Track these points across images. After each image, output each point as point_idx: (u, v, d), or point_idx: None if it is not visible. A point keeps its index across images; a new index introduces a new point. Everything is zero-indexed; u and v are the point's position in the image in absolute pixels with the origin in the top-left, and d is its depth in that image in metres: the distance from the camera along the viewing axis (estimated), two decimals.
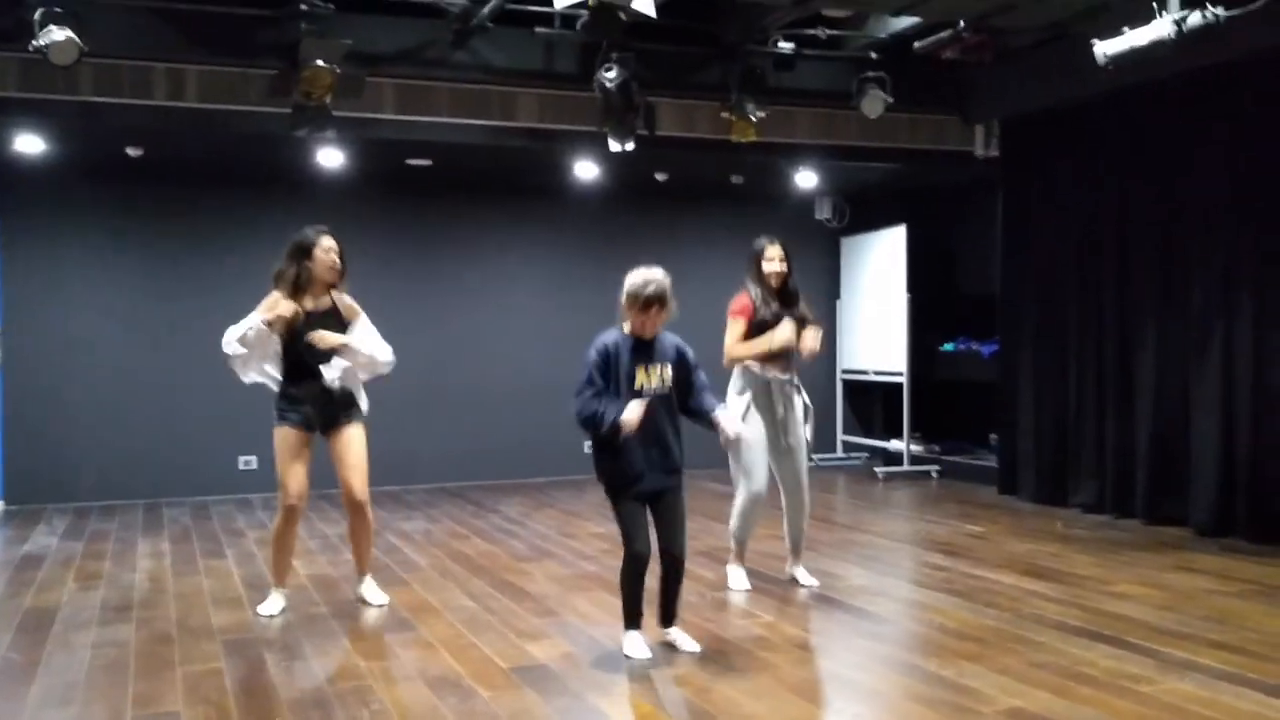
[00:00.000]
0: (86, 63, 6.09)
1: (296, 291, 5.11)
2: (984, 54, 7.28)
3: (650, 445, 4.36)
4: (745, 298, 5.52)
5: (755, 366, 5.48)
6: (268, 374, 5.17)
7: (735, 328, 5.48)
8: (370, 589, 5.43)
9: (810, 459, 5.66)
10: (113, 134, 7.77)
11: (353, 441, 5.23)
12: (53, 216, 8.79)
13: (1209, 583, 5.74)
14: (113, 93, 6.88)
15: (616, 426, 4.23)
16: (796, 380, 5.61)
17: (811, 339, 5.45)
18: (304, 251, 5.13)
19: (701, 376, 4.54)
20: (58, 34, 5.77)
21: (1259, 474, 6.77)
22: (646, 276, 4.36)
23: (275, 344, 5.11)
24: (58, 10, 5.80)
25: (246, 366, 5.13)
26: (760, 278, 5.53)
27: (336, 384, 5.15)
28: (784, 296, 5.55)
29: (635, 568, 4.40)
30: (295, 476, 5.10)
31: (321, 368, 5.13)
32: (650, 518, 4.43)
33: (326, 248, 5.15)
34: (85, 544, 7.08)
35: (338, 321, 5.19)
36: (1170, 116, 7.41)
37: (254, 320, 5.03)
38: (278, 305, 5.05)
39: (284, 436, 5.10)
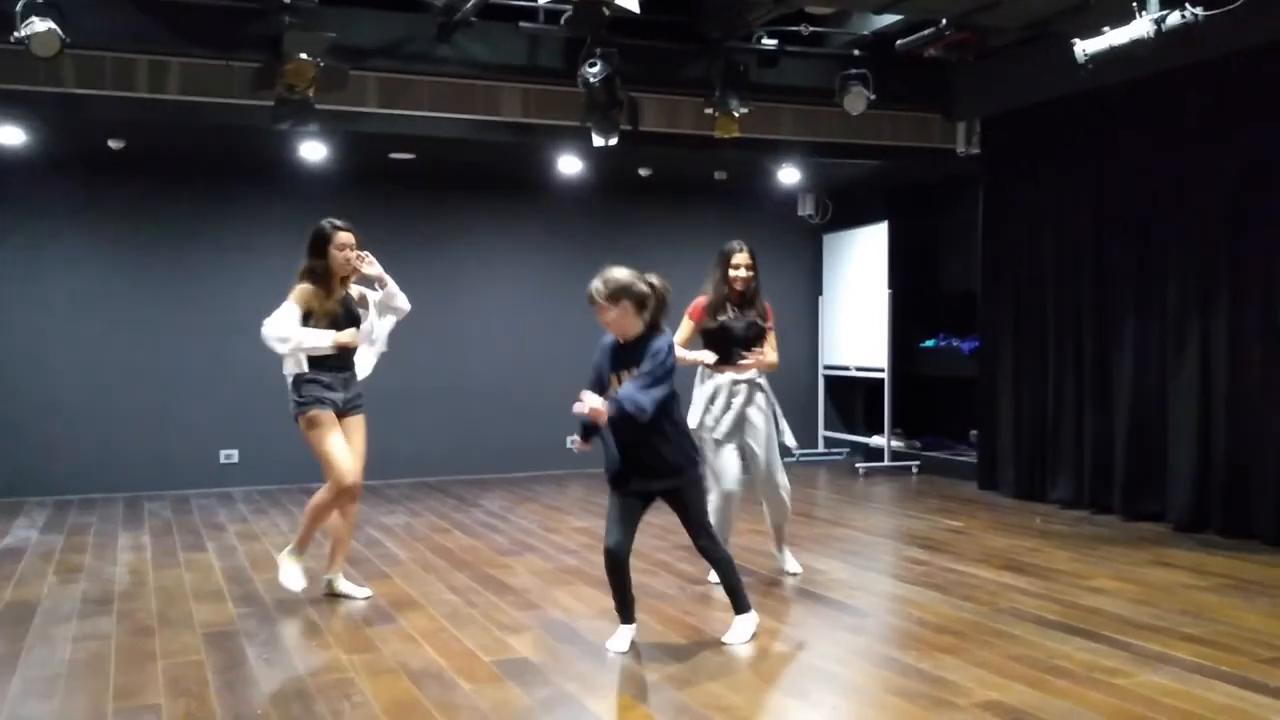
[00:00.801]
0: (68, 54, 6.05)
1: (320, 284, 5.14)
2: (966, 52, 7.33)
3: (631, 448, 4.34)
4: (701, 300, 5.58)
5: (709, 367, 5.52)
6: (301, 364, 5.20)
7: (683, 329, 5.53)
8: (345, 584, 5.43)
9: (789, 454, 5.63)
10: (94, 126, 7.73)
11: (362, 428, 5.30)
12: (33, 209, 8.74)
13: (1184, 577, 5.80)
14: (95, 85, 6.86)
15: (587, 427, 4.40)
16: (759, 380, 5.58)
17: (752, 361, 5.50)
18: (319, 247, 5.17)
19: (646, 370, 4.23)
20: (39, 25, 5.74)
21: (1234, 470, 6.83)
22: (597, 276, 4.33)
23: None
24: (39, 2, 5.78)
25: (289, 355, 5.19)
26: (725, 280, 5.56)
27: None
28: (744, 302, 5.58)
29: (606, 562, 4.41)
30: (347, 455, 5.12)
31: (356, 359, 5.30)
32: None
33: (340, 244, 5.17)
34: (65, 537, 7.07)
35: (352, 312, 5.28)
36: (1149, 115, 7.46)
37: (318, 337, 5.07)
38: (343, 336, 5.12)
39: (324, 419, 5.11)
